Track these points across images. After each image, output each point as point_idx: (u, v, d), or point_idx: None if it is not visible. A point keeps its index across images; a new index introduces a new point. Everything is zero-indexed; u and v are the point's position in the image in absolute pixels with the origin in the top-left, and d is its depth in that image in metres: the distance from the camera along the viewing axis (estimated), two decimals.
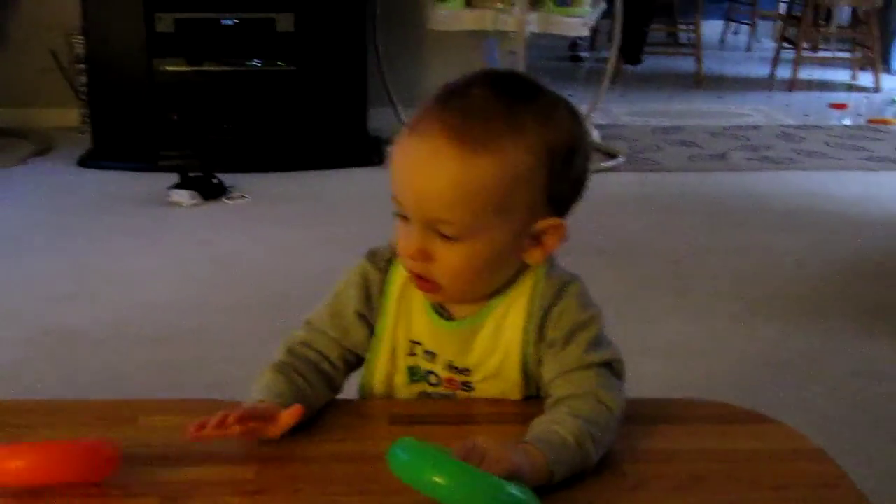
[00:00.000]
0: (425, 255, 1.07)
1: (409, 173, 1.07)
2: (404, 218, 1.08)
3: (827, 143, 5.33)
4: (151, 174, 4.45)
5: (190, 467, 1.02)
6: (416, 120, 1.08)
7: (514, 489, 0.90)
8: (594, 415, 1.06)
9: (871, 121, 5.91)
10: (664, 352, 2.81)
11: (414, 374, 1.19)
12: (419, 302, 1.17)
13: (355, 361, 1.21)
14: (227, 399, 1.14)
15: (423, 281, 1.10)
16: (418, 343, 1.18)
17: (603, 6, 5.02)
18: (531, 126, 1.06)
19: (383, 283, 1.18)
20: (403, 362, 1.19)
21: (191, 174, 4.21)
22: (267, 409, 1.04)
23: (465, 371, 1.18)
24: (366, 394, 1.22)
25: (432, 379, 1.19)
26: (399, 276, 1.17)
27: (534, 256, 1.12)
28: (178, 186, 4.16)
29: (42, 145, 5.01)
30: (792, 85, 6.85)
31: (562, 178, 1.10)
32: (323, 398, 1.14)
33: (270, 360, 1.15)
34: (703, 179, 4.66)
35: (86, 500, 0.96)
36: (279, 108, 4.59)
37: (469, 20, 4.77)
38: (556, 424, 1.03)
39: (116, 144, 4.74)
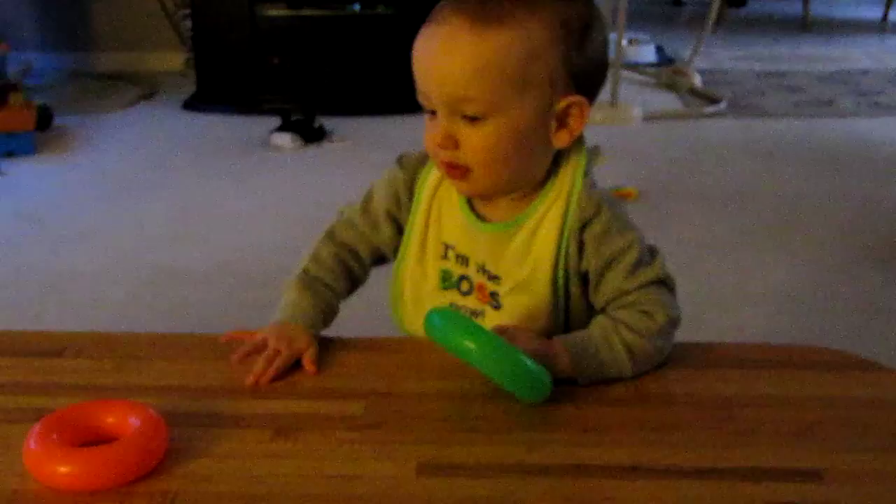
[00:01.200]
0: (452, 141, 1.08)
1: (429, 58, 1.08)
2: (431, 114, 1.10)
3: None
4: (254, 118, 4.49)
5: (300, 400, 1.04)
6: (434, 12, 1.09)
7: (531, 364, 0.98)
8: (632, 320, 1.10)
9: None
10: (767, 298, 2.78)
11: (445, 280, 1.20)
12: (453, 204, 1.18)
13: (380, 259, 1.28)
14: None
15: (452, 168, 1.10)
16: (451, 246, 1.19)
17: None
18: (548, 3, 1.07)
19: (412, 183, 1.21)
20: (435, 265, 1.20)
21: (292, 118, 4.24)
22: (290, 358, 1.10)
23: (495, 278, 1.17)
24: (394, 306, 1.26)
25: (464, 286, 1.19)
26: (431, 178, 1.20)
27: (561, 139, 1.12)
28: (279, 130, 4.20)
29: (148, 89, 5.08)
30: None
31: (579, 52, 1.10)
32: (345, 296, 1.26)
33: (299, 266, 1.23)
34: (809, 126, 4.56)
35: (207, 429, 0.98)
36: (379, 52, 4.58)
37: None
38: (590, 326, 1.10)
39: (219, 88, 4.79)
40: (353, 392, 1.05)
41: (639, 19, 6.01)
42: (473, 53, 1.04)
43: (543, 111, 1.09)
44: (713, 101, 4.84)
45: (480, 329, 1.00)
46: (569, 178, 1.15)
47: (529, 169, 1.13)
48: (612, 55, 4.93)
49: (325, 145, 4.17)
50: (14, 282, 2.92)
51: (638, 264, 1.13)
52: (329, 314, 1.20)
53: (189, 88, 4.97)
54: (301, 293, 1.18)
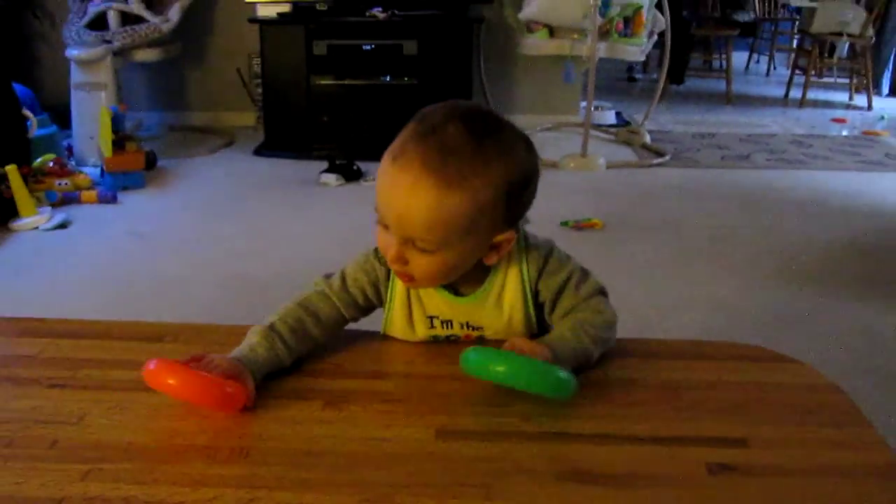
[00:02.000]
0: (403, 261, 1.03)
1: (392, 198, 0.99)
2: (385, 226, 1.03)
3: (830, 149, 5.17)
4: (307, 161, 4.48)
5: (345, 379, 1.03)
6: (400, 150, 1.00)
7: (561, 371, 0.96)
8: (590, 319, 1.09)
9: (864, 132, 5.74)
10: (702, 305, 2.77)
11: (437, 339, 1.15)
12: (429, 290, 1.12)
13: (342, 326, 1.14)
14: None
15: (401, 274, 1.06)
16: (435, 316, 1.13)
17: (655, 38, 4.92)
18: (496, 164, 0.99)
19: (388, 277, 1.12)
20: (424, 334, 1.14)
21: (336, 162, 4.24)
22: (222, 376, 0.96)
23: (478, 328, 1.14)
24: None
25: (452, 338, 1.15)
26: None
27: (491, 259, 1.08)
28: (326, 171, 4.20)
29: (228, 139, 5.08)
30: (802, 103, 6.66)
31: (517, 203, 1.05)
32: (298, 354, 1.07)
33: (267, 319, 1.08)
34: (732, 175, 4.55)
35: (274, 400, 0.97)
36: (404, 112, 4.54)
37: (551, 47, 4.71)
38: (560, 328, 1.09)
39: (282, 139, 4.79)
40: (385, 374, 1.05)
41: (602, 91, 6.01)
42: (433, 208, 0.97)
43: (482, 246, 1.05)
44: (660, 154, 4.83)
45: (506, 354, 0.97)
46: (513, 247, 1.10)
47: (461, 273, 1.08)
48: (582, 118, 4.95)
49: (362, 183, 4.16)
50: (127, 283, 2.92)
51: (579, 283, 1.12)
52: (276, 366, 1.04)
53: (258, 139, 4.97)
54: (260, 341, 1.04)
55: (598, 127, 5.36)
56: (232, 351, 1.02)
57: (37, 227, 3.45)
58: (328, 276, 1.15)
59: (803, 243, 3.44)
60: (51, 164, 3.96)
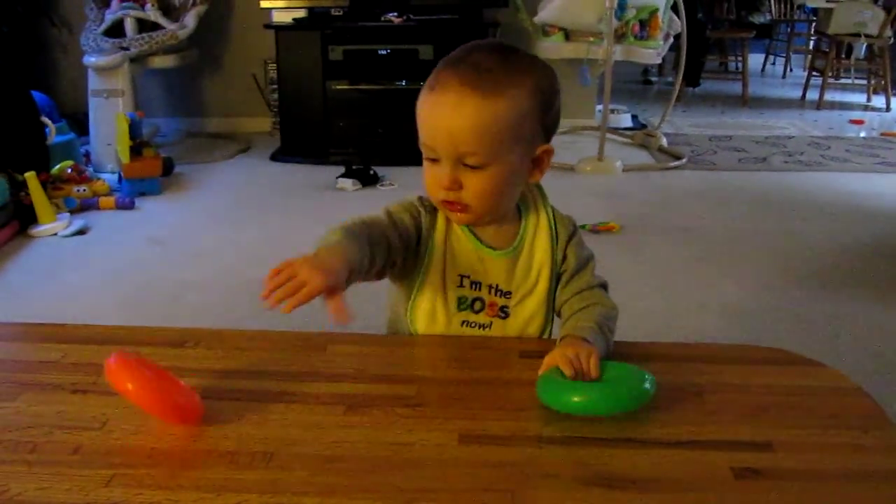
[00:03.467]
0: (457, 184, 1.07)
1: (441, 119, 1.05)
2: (433, 161, 1.08)
3: (847, 151, 5.14)
4: (324, 167, 4.50)
5: (367, 384, 1.02)
6: (435, 81, 1.06)
7: (647, 382, 0.97)
8: (606, 312, 1.13)
9: (882, 134, 5.71)
10: (721, 309, 2.75)
11: (461, 304, 1.16)
12: (462, 242, 1.15)
13: (389, 252, 1.11)
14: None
15: (453, 205, 1.09)
16: (466, 276, 1.15)
17: (671, 41, 4.91)
18: (526, 74, 1.07)
19: (432, 224, 1.15)
20: (453, 293, 1.15)
21: (353, 167, 4.24)
22: (313, 293, 0.95)
23: (507, 294, 1.16)
24: (410, 319, 1.17)
25: (477, 306, 1.16)
26: (440, 225, 1.15)
27: (535, 177, 1.14)
28: (343, 176, 4.21)
29: (244, 145, 5.10)
30: (819, 105, 6.64)
31: (549, 112, 1.11)
32: (373, 265, 1.07)
33: (330, 226, 1.07)
34: (749, 177, 4.53)
35: (296, 405, 0.97)
36: None
37: (567, 50, 4.70)
38: (585, 322, 1.09)
39: (298, 144, 4.80)
40: (407, 378, 1.04)
41: (618, 94, 6.01)
42: (478, 118, 1.03)
43: (526, 158, 1.10)
44: (676, 157, 4.82)
45: (577, 384, 0.96)
46: (538, 205, 1.18)
47: (512, 201, 1.15)
48: (598, 122, 4.94)
49: (378, 188, 4.17)
50: (145, 289, 2.93)
51: (594, 268, 1.20)
52: (364, 261, 1.03)
53: (275, 144, 4.98)
54: (342, 236, 1.04)
55: (615, 130, 5.35)
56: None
57: (56, 234, 3.47)
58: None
59: (823, 246, 3.42)
60: (69, 170, 3.98)
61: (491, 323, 1.17)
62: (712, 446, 0.89)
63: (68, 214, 3.64)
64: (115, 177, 4.18)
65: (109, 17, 4.62)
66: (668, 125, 5.55)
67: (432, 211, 1.16)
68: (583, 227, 3.42)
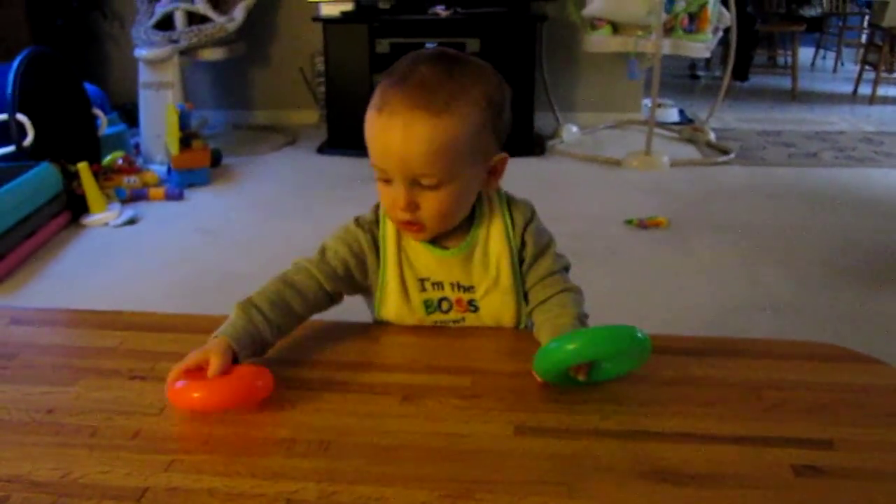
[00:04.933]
0: (414, 206, 1.04)
1: (391, 143, 1.00)
2: (386, 181, 1.05)
3: None
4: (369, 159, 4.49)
5: (421, 374, 1.02)
6: (382, 101, 1.02)
7: (638, 331, 0.94)
8: (576, 299, 1.13)
9: None
10: (771, 305, 2.72)
11: (429, 306, 1.15)
12: (415, 246, 1.13)
13: (327, 301, 1.14)
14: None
15: (411, 225, 1.07)
16: (426, 279, 1.14)
17: (720, 34, 4.85)
18: (474, 86, 1.03)
19: (375, 241, 1.14)
20: (417, 298, 1.14)
21: None
22: (194, 362, 0.96)
23: (470, 288, 1.15)
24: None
25: (444, 305, 1.15)
26: (389, 232, 1.13)
27: (492, 184, 1.12)
28: None
29: (291, 137, 5.14)
30: (872, 99, 6.51)
31: (501, 118, 1.08)
32: (280, 330, 1.07)
33: (258, 290, 1.09)
34: (800, 173, 4.46)
35: (343, 394, 0.97)
36: None
37: (615, 44, 4.66)
38: (566, 319, 1.08)
39: (344, 137, 4.81)
40: (463, 369, 1.04)
41: (664, 89, 5.94)
42: (431, 140, 0.99)
43: (482, 170, 1.08)
44: (725, 152, 4.76)
45: (575, 333, 0.98)
46: (491, 199, 1.16)
47: (468, 210, 1.12)
48: (645, 116, 4.90)
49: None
50: (194, 278, 2.96)
51: (556, 252, 1.17)
52: (257, 339, 1.03)
53: (321, 137, 5.01)
54: (237, 315, 1.04)
55: (662, 125, 5.29)
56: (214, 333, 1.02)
57: (107, 224, 3.53)
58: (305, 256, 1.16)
59: (873, 243, 3.36)
60: (120, 161, 4.04)
61: (464, 318, 1.16)
62: (771, 443, 0.88)
63: (119, 205, 3.69)
64: (165, 168, 4.23)
65: (160, 10, 4.67)
66: (716, 120, 5.48)
67: (373, 226, 1.14)
68: (630, 221, 3.39)
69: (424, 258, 1.14)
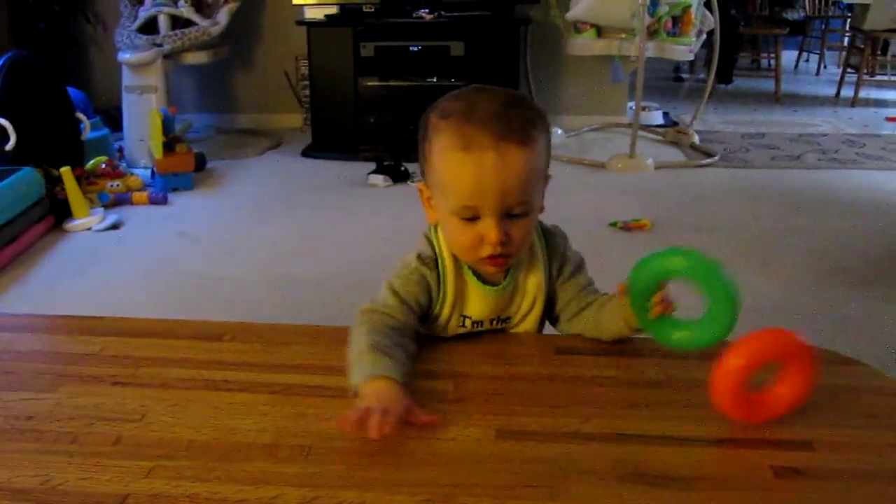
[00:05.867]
0: (508, 237, 1.04)
1: (486, 179, 1.00)
2: (470, 220, 1.04)
3: (883, 149, 5.07)
4: (354, 163, 4.50)
5: None
6: (464, 140, 1.00)
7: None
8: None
9: None
10: (755, 308, 2.72)
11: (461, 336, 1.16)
12: (470, 285, 1.13)
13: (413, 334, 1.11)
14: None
15: (499, 259, 1.06)
16: (467, 317, 1.14)
17: (703, 37, 4.87)
18: (537, 115, 1.06)
19: (439, 277, 1.12)
20: (454, 331, 1.15)
21: (384, 163, 4.25)
22: (400, 416, 0.90)
23: (507, 320, 1.17)
24: None
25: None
26: (449, 267, 1.12)
27: (542, 208, 1.12)
28: (374, 172, 4.22)
29: (275, 141, 5.12)
30: (854, 102, 6.55)
31: (550, 145, 1.09)
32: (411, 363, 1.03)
33: (361, 340, 1.02)
34: (783, 175, 4.49)
35: (326, 399, 0.97)
36: None
37: (599, 47, 4.68)
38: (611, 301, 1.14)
39: (329, 140, 4.82)
40: (444, 373, 1.04)
41: (649, 91, 5.96)
42: (524, 168, 1.01)
43: (543, 194, 1.10)
44: (709, 154, 4.78)
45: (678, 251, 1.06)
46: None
47: None
48: (629, 119, 4.91)
49: (409, 184, 4.16)
50: (178, 284, 2.95)
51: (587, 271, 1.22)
52: (408, 371, 1.00)
53: (306, 140, 5.00)
54: (376, 354, 0.99)
55: (646, 127, 5.31)
56: (357, 378, 0.97)
57: (90, 228, 3.51)
58: (373, 301, 1.12)
59: (857, 245, 3.38)
60: (103, 165, 4.02)
61: None
62: (752, 445, 0.89)
63: (102, 209, 3.67)
64: (149, 172, 4.22)
65: (143, 13, 4.66)
66: (700, 122, 5.50)
67: (433, 264, 1.13)
68: (614, 224, 3.41)
69: (476, 296, 1.14)
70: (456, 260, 1.12)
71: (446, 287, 1.12)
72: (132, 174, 4.11)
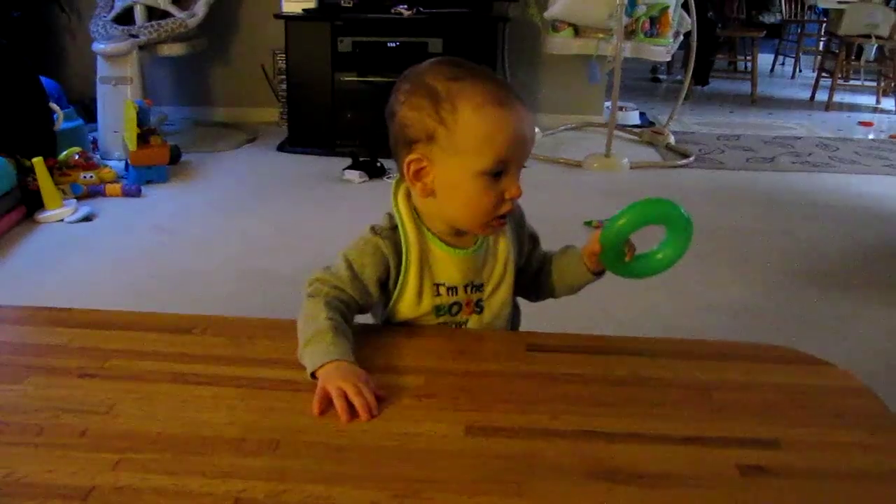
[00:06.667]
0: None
1: (520, 130, 1.05)
2: (494, 177, 1.06)
3: (856, 153, 5.13)
4: (330, 158, 4.49)
5: (373, 373, 1.00)
6: (491, 96, 1.04)
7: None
8: None
9: (892, 136, 5.70)
10: (725, 308, 2.75)
11: (439, 310, 1.15)
12: (436, 252, 1.14)
13: (360, 311, 1.15)
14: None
15: (504, 217, 1.11)
16: (441, 284, 1.15)
17: (681, 38, 4.90)
18: None
19: (397, 246, 1.13)
20: (429, 303, 1.14)
21: (360, 158, 4.24)
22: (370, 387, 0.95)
23: (480, 287, 1.17)
24: (391, 322, 1.18)
25: (454, 309, 1.16)
26: (410, 238, 1.13)
27: None
28: (350, 167, 4.21)
29: (251, 135, 5.10)
30: (828, 106, 6.62)
31: None
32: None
33: (319, 317, 1.04)
34: (757, 177, 4.52)
35: (295, 393, 0.96)
36: None
37: (576, 46, 4.69)
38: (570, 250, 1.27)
39: (305, 135, 4.80)
40: (415, 369, 1.04)
41: (626, 92, 5.99)
42: (533, 124, 1.08)
43: None
44: (684, 155, 4.81)
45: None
46: None
47: None
48: (606, 118, 4.93)
49: (385, 180, 4.16)
50: (151, 276, 2.93)
51: None
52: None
53: (282, 135, 4.98)
54: (336, 336, 1.01)
55: (623, 127, 5.34)
56: (315, 359, 0.99)
57: (62, 220, 3.48)
58: (327, 268, 1.14)
59: (830, 247, 3.41)
60: (76, 157, 3.98)
61: (468, 320, 1.18)
62: (719, 443, 0.89)
63: (75, 201, 3.64)
64: (122, 164, 4.18)
65: (119, 4, 4.61)
66: (677, 123, 5.53)
67: (392, 234, 1.14)
68: (589, 222, 3.42)
69: (445, 262, 1.14)
70: (418, 227, 1.14)
71: (409, 253, 1.13)
72: (106, 166, 4.07)
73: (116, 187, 3.85)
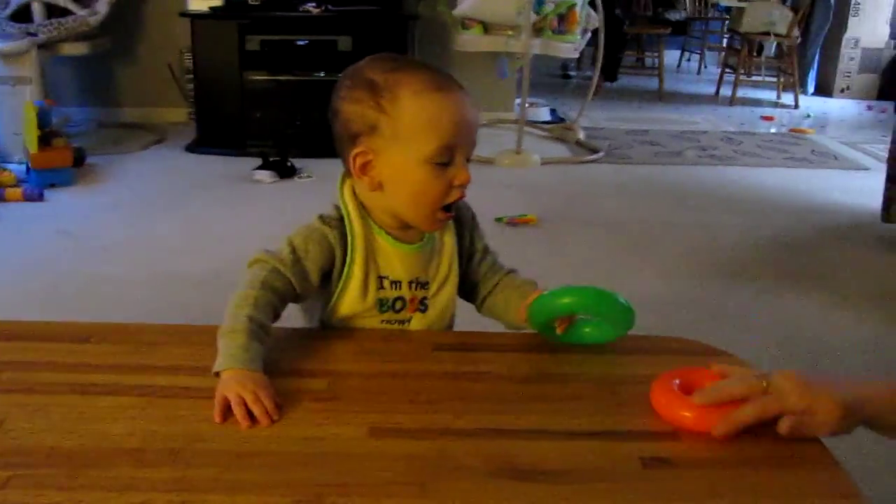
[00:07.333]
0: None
1: (463, 115, 1.05)
2: (443, 166, 1.05)
3: (758, 146, 5.28)
4: (240, 158, 4.42)
5: (277, 377, 0.98)
6: (431, 83, 1.05)
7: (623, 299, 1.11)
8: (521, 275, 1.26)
9: (791, 130, 5.89)
10: (635, 301, 2.78)
11: (382, 304, 1.14)
12: (382, 244, 1.13)
13: (295, 300, 1.13)
14: None
15: (451, 211, 1.11)
16: (385, 277, 1.14)
17: (588, 36, 4.96)
18: None
19: (343, 237, 1.12)
20: (373, 296, 1.13)
21: (270, 158, 4.20)
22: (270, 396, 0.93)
23: (425, 285, 1.16)
24: (329, 322, 1.16)
25: (398, 305, 1.15)
26: (356, 230, 1.12)
27: None
28: (260, 168, 4.16)
29: (159, 136, 5.00)
30: (732, 101, 6.79)
31: None
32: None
33: (241, 313, 1.01)
34: (665, 171, 4.62)
35: (196, 400, 0.94)
36: None
37: (486, 44, 4.72)
38: (526, 286, 1.21)
39: (214, 135, 4.73)
40: (318, 371, 1.03)
41: (537, 88, 6.06)
42: (476, 111, 1.08)
43: None
44: (594, 150, 4.88)
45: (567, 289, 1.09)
46: None
47: None
48: (517, 115, 4.97)
49: (296, 180, 4.13)
50: (54, 284, 2.85)
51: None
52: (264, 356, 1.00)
53: (190, 135, 4.89)
54: (249, 338, 0.99)
55: (533, 124, 5.39)
56: (222, 359, 0.97)
57: None
58: (269, 251, 1.12)
59: (734, 238, 3.51)
60: None
61: (411, 318, 1.17)
62: (622, 437, 0.90)
63: None
64: (23, 168, 4.05)
65: (15, 1, 4.47)
66: (586, 119, 5.61)
67: (339, 224, 1.12)
68: (500, 219, 3.44)
69: (388, 255, 1.13)
70: (364, 219, 1.12)
71: (354, 244, 1.11)
72: (5, 170, 3.94)
73: (17, 192, 3.72)
